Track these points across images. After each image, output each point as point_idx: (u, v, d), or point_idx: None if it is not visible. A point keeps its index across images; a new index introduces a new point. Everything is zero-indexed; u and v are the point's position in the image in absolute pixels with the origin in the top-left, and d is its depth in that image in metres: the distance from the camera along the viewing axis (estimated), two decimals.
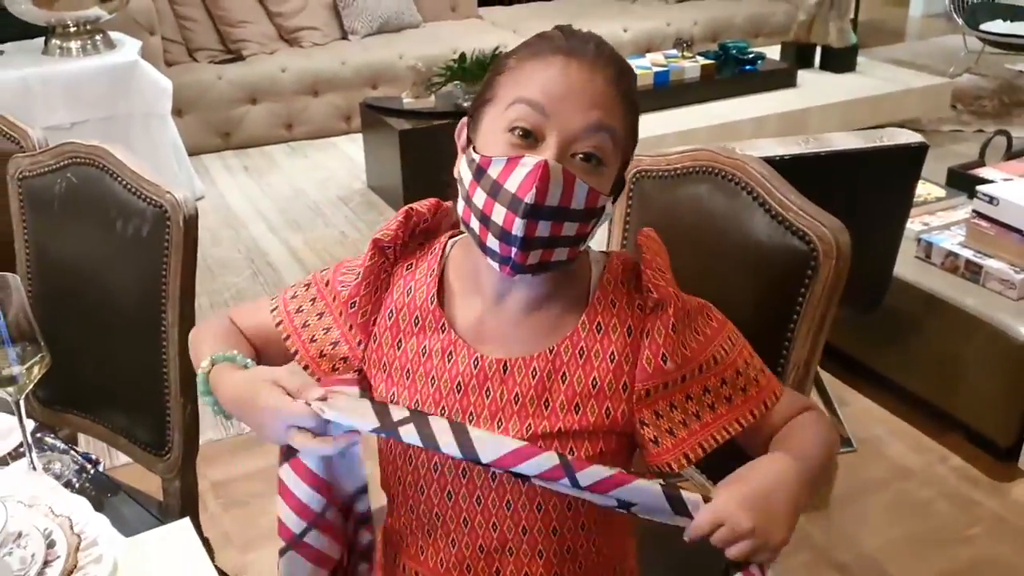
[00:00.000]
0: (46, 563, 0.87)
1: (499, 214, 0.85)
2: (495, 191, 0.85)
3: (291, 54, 4.87)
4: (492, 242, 0.87)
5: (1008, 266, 2.14)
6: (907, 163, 1.89)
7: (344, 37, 5.13)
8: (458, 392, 0.93)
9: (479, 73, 3.75)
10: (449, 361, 0.94)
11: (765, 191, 1.20)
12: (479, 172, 0.87)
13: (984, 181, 2.49)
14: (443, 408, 0.93)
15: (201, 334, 1.09)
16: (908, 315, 2.27)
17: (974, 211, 2.24)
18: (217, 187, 4.18)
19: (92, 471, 1.10)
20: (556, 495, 0.91)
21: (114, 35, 3.74)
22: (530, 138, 0.85)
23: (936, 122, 4.37)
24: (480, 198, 0.87)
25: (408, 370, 0.96)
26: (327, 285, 1.03)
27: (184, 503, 1.42)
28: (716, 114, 3.84)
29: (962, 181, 2.60)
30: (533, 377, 0.92)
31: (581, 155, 0.86)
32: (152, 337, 1.36)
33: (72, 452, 1.14)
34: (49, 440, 1.17)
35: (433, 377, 0.94)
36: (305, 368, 1.00)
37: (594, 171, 0.86)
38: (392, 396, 0.96)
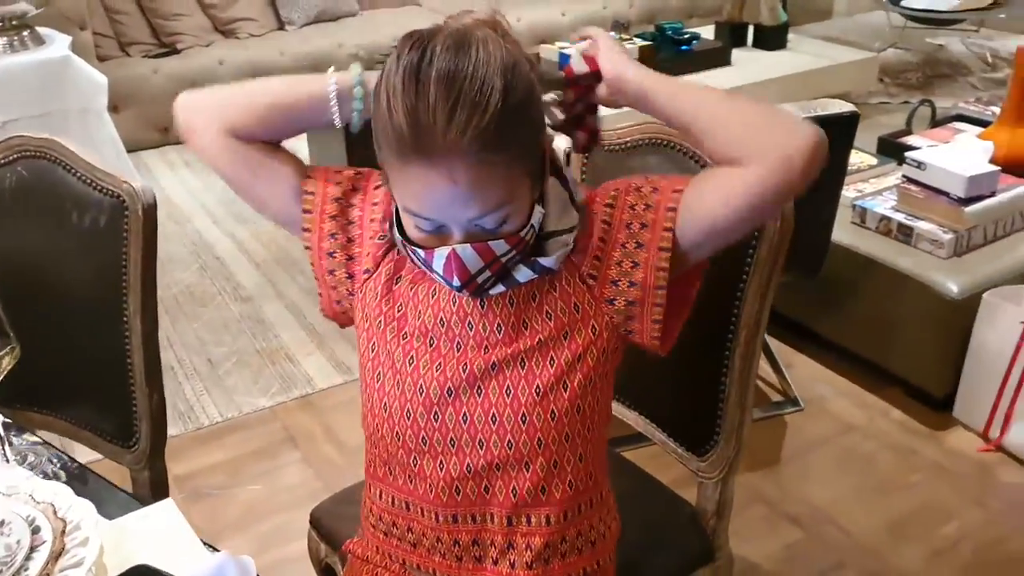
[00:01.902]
0: (32, 549, 0.88)
1: (436, 276, 0.95)
2: (426, 264, 0.94)
3: (228, 46, 4.80)
4: (440, 279, 0.96)
5: (937, 227, 2.25)
6: (841, 132, 1.97)
7: (281, 27, 5.07)
8: (442, 325, 1.00)
9: None
10: (432, 298, 1.01)
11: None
12: (408, 251, 0.96)
13: (912, 148, 2.60)
14: (431, 338, 1.00)
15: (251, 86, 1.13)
16: (846, 278, 2.37)
17: (904, 176, 2.34)
18: (159, 183, 4.12)
19: (68, 461, 1.11)
20: (540, 405, 0.97)
21: (42, 31, 3.65)
22: (435, 229, 0.91)
23: (865, 95, 4.51)
24: (415, 256, 0.95)
25: (398, 304, 1.02)
26: (364, 198, 1.06)
27: (155, 493, 1.42)
28: None
29: (891, 149, 2.70)
30: (511, 305, 0.98)
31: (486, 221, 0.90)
32: (114, 328, 1.36)
33: (46, 444, 1.14)
34: (25, 438, 1.18)
35: (419, 312, 1.01)
36: (306, 231, 1.08)
37: (504, 224, 0.91)
38: (379, 324, 1.03)
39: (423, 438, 1.01)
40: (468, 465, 1.00)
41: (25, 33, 3.53)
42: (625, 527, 1.17)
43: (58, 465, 1.12)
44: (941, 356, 2.24)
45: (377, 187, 1.06)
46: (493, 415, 0.98)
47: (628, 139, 1.37)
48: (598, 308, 0.99)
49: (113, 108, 4.13)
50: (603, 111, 1.09)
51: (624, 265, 0.98)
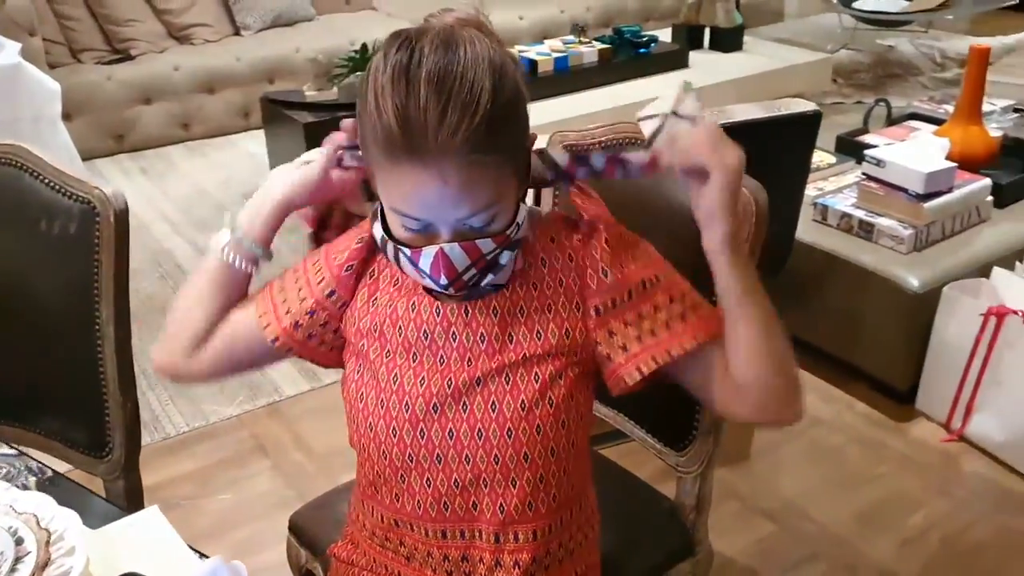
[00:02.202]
0: (17, 559, 0.86)
1: (423, 276, 0.94)
2: (413, 263, 0.93)
3: (183, 52, 4.74)
4: (425, 282, 0.95)
5: (897, 223, 2.30)
6: (804, 131, 2.01)
7: (237, 33, 5.02)
8: (426, 339, 0.99)
9: None
10: (413, 311, 1.00)
11: None
12: (396, 249, 0.94)
13: (869, 146, 2.66)
14: (415, 353, 0.99)
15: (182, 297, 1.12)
16: (810, 275, 2.42)
17: (863, 174, 2.40)
18: None
19: (45, 472, 1.09)
20: (525, 420, 0.97)
21: None
22: (422, 229, 0.90)
23: (820, 95, 4.59)
24: (402, 258, 0.94)
25: (376, 324, 1.01)
26: (315, 263, 1.06)
27: (130, 503, 1.40)
28: (615, 96, 3.94)
29: (850, 147, 2.76)
30: (495, 315, 0.98)
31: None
32: (86, 336, 1.34)
33: (23, 455, 1.12)
34: None
35: (400, 327, 1.00)
36: (274, 340, 1.05)
37: (492, 223, 0.90)
38: (362, 347, 1.02)
39: (409, 455, 1.00)
40: (455, 480, 1.00)
41: None
42: (605, 524, 1.17)
43: (37, 477, 1.09)
44: (903, 350, 2.29)
45: (315, 261, 1.07)
46: (479, 430, 0.98)
47: (603, 139, 1.38)
48: (588, 339, 0.99)
49: (66, 116, 4.03)
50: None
51: (628, 331, 0.98)
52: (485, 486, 1.00)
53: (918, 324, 2.24)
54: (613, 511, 1.20)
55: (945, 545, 1.92)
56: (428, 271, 0.92)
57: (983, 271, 2.25)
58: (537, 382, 0.97)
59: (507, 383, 0.97)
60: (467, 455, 0.99)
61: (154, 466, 2.21)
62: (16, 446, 1.21)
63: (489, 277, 0.95)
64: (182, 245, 3.48)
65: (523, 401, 0.97)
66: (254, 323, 1.06)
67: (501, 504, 1.00)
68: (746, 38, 4.58)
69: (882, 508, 2.03)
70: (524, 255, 0.99)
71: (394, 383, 0.99)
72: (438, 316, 0.99)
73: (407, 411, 0.99)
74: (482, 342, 0.98)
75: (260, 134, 4.27)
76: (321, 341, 1.06)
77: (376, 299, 1.02)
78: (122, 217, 1.30)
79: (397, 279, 1.02)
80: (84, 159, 3.98)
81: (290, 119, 3.70)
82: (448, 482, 1.00)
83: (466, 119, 0.83)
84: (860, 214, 2.37)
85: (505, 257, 0.94)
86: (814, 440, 2.26)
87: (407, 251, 0.92)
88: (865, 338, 2.36)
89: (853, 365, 2.42)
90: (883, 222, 2.32)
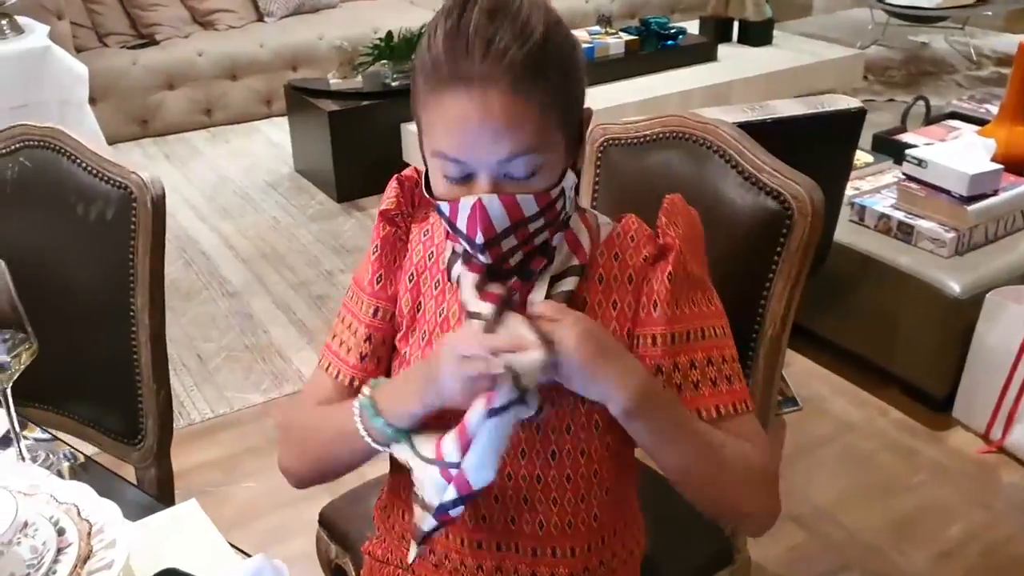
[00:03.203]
0: (59, 550, 0.84)
1: (465, 246, 0.89)
2: (452, 226, 0.89)
3: (207, 37, 4.72)
4: (470, 256, 0.91)
5: (938, 225, 2.25)
6: (847, 128, 1.97)
7: (260, 19, 5.00)
8: None
9: (406, 52, 3.72)
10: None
11: (737, 153, 1.23)
12: (436, 209, 0.90)
13: (908, 145, 2.61)
14: None
15: (301, 421, 1.06)
16: (845, 277, 2.37)
17: (904, 174, 2.35)
18: None
19: (82, 459, 1.07)
20: (570, 443, 0.94)
21: (21, 20, 3.56)
22: (463, 178, 0.86)
23: (850, 92, 4.53)
24: (447, 228, 0.91)
25: (424, 332, 0.98)
26: (352, 298, 1.04)
27: (161, 491, 1.38)
28: (642, 89, 3.90)
29: (887, 146, 2.71)
30: None
31: (514, 171, 0.86)
32: (121, 323, 1.32)
33: (58, 441, 1.10)
34: (31, 431, 1.13)
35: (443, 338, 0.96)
36: (351, 382, 1.01)
37: (535, 175, 0.86)
38: (406, 355, 0.99)
39: None
40: (495, 495, 0.97)
41: (4, 22, 3.44)
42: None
43: (74, 464, 1.07)
44: (941, 356, 2.24)
45: (350, 297, 1.04)
46: (522, 450, 0.95)
47: (647, 133, 1.34)
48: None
49: (91, 100, 4.02)
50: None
51: (657, 376, 0.93)
52: (525, 503, 0.97)
53: (957, 330, 2.19)
54: (650, 516, 1.17)
55: (984, 558, 1.88)
56: (465, 229, 0.86)
57: None
58: (584, 405, 0.93)
59: (553, 406, 0.93)
60: (509, 473, 0.96)
61: (179, 452, 2.15)
62: (49, 430, 1.19)
63: (516, 255, 0.89)
64: (207, 233, 3.46)
65: (569, 424, 0.94)
66: (331, 386, 1.02)
67: (541, 521, 0.98)
68: (775, 32, 4.52)
69: (917, 518, 1.99)
70: (583, 273, 0.94)
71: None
72: None
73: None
74: None
75: (282, 121, 4.25)
76: (379, 359, 1.02)
77: (421, 305, 0.99)
78: (159, 203, 1.28)
79: (439, 281, 0.99)
80: (109, 143, 3.97)
81: (315, 107, 3.68)
82: (489, 497, 0.97)
83: (515, 45, 0.81)
84: (899, 215, 2.32)
85: (555, 239, 0.90)
86: (846, 446, 2.22)
87: (446, 207, 0.87)
88: (900, 342, 2.31)
89: (887, 370, 2.38)
90: (924, 224, 2.27)
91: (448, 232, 0.94)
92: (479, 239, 0.85)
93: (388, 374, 1.04)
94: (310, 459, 1.03)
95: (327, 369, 1.03)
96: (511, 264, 0.89)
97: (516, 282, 0.90)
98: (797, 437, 2.24)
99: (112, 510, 0.89)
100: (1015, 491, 2.05)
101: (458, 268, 0.94)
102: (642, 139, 1.35)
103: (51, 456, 1.07)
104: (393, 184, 1.03)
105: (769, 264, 1.22)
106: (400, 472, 1.04)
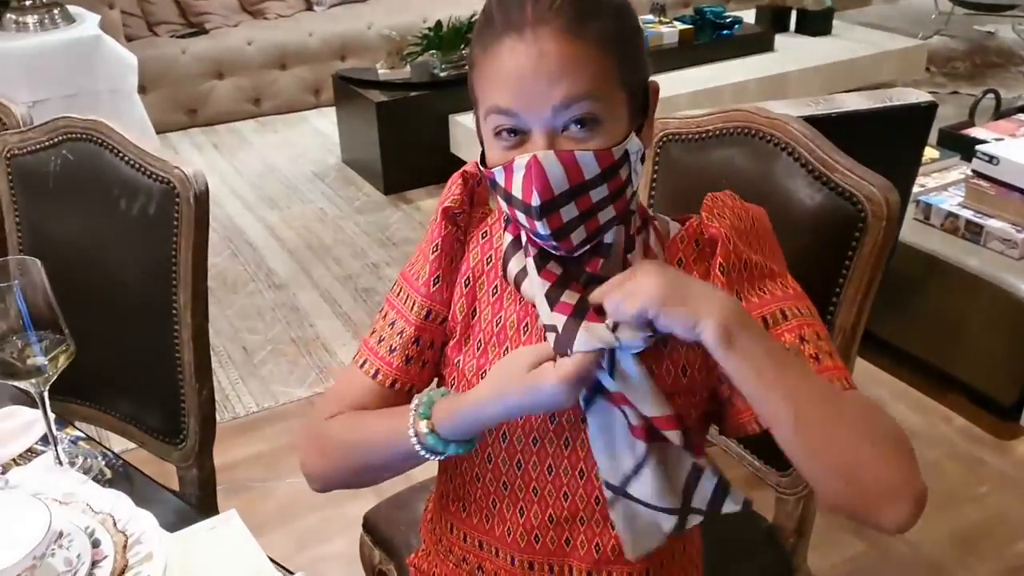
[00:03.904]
0: (94, 563, 0.81)
1: (521, 218, 0.83)
2: (508, 198, 0.83)
3: (256, 27, 4.73)
4: (535, 238, 0.85)
5: (1010, 225, 2.14)
6: (917, 123, 1.87)
7: (309, 8, 5.00)
8: None
9: (456, 42, 3.67)
10: (525, 333, 0.90)
11: (808, 151, 1.16)
12: (492, 183, 0.85)
13: (977, 141, 2.49)
14: None
15: (336, 425, 0.96)
16: (908, 278, 2.27)
17: (973, 171, 2.24)
18: None
19: (119, 463, 1.04)
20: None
21: (72, 9, 3.59)
22: (519, 136, 0.81)
23: (912, 85, 4.38)
24: (504, 204, 0.85)
25: (480, 341, 0.92)
26: (399, 295, 0.97)
27: (203, 492, 1.36)
28: (696, 80, 3.81)
29: (954, 142, 2.60)
30: None
31: (572, 126, 0.80)
32: (163, 320, 1.29)
33: (95, 443, 1.07)
34: (68, 432, 1.11)
35: (507, 348, 0.90)
36: (392, 384, 0.94)
37: (594, 131, 0.80)
38: (458, 364, 0.93)
39: (504, 483, 0.93)
40: (550, 515, 0.92)
41: (56, 11, 3.47)
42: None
43: (112, 469, 1.04)
44: (1010, 361, 2.14)
45: (397, 293, 0.97)
46: (581, 470, 0.90)
47: (710, 128, 1.28)
48: (709, 376, 0.89)
49: (141, 89, 4.06)
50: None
51: None
52: (582, 523, 0.92)
53: None
54: (705, 531, 1.11)
55: None
56: (520, 193, 0.80)
57: None
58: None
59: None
60: (565, 492, 0.91)
61: (223, 447, 2.16)
62: (84, 431, 1.16)
63: (580, 233, 0.82)
64: (253, 224, 3.46)
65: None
66: (368, 385, 0.95)
67: (597, 544, 0.92)
68: (835, 22, 4.39)
69: (983, 532, 1.90)
70: None
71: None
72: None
73: (504, 441, 0.92)
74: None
75: (330, 111, 4.24)
76: (424, 362, 0.96)
77: (476, 311, 0.93)
78: (202, 199, 1.24)
79: (497, 287, 0.93)
80: (158, 132, 4.00)
81: (362, 97, 3.65)
82: (542, 516, 0.92)
83: (567, 3, 0.78)
84: (968, 214, 2.22)
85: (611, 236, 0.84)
86: None
87: (500, 174, 0.82)
88: (966, 347, 2.21)
89: (951, 375, 2.28)
90: (994, 224, 2.16)
91: (505, 220, 0.88)
92: (535, 200, 0.78)
93: (433, 379, 0.98)
94: (345, 465, 0.96)
95: (363, 367, 0.96)
96: (573, 244, 0.82)
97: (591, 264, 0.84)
98: None
99: (149, 521, 0.86)
100: None
101: (515, 263, 0.88)
102: (704, 135, 1.28)
103: (89, 460, 1.05)
104: (457, 179, 0.95)
105: (839, 269, 1.15)
106: (449, 482, 1.00)
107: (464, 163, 0.97)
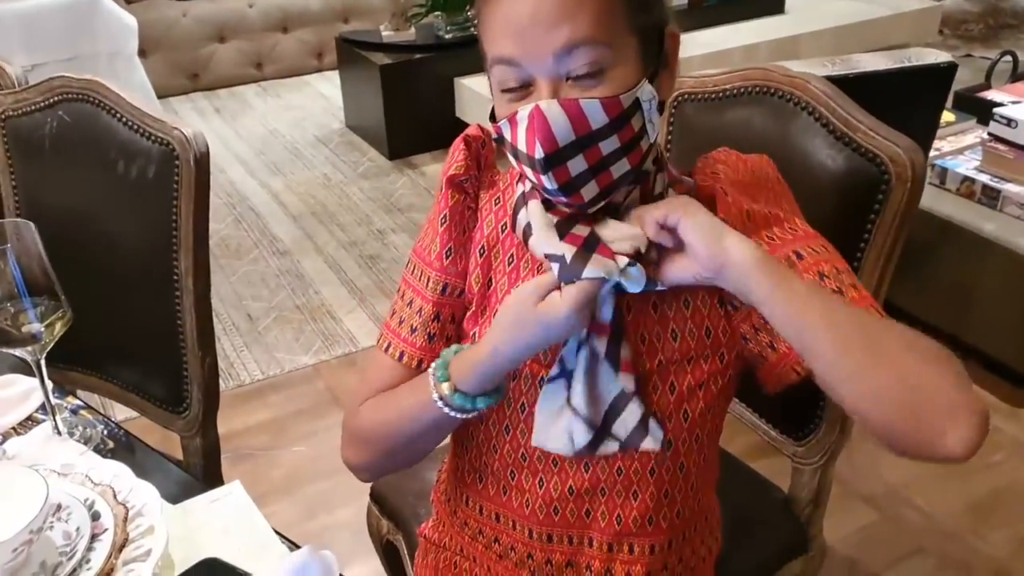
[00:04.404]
0: (94, 536, 0.79)
1: (529, 173, 0.79)
2: (515, 153, 0.79)
3: None
4: (545, 194, 0.81)
5: None
6: (936, 84, 1.82)
7: None
8: None
9: (461, 3, 3.60)
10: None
11: (829, 111, 1.12)
12: (499, 140, 0.81)
13: (994, 104, 2.44)
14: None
15: (370, 413, 0.93)
16: (922, 243, 2.23)
17: (990, 134, 2.19)
18: None
19: (120, 433, 1.02)
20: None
21: None
22: (523, 89, 0.77)
23: (924, 47, 4.30)
24: (512, 160, 0.81)
25: (497, 312, 0.88)
26: (413, 272, 0.93)
27: (207, 461, 1.34)
28: (705, 43, 3.73)
29: (971, 104, 2.54)
30: (629, 313, 0.84)
31: (578, 73, 0.76)
32: (164, 287, 1.26)
33: (96, 413, 1.05)
34: (68, 401, 1.08)
35: None
36: (418, 364, 0.91)
37: (600, 78, 0.75)
38: (475, 336, 0.89)
39: (522, 454, 0.90)
40: (571, 487, 0.89)
41: None
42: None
43: (113, 438, 1.02)
44: None
45: (411, 270, 0.93)
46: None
47: (727, 87, 1.23)
48: (732, 337, 0.86)
49: (141, 52, 4.00)
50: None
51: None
52: (603, 495, 0.89)
53: None
54: (721, 501, 1.09)
55: None
56: (524, 146, 0.76)
57: None
58: (672, 393, 0.85)
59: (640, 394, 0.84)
60: (587, 463, 0.88)
61: (228, 415, 2.16)
62: (85, 400, 1.14)
63: (594, 190, 0.78)
64: (257, 190, 3.42)
65: (655, 413, 0.85)
66: (396, 368, 0.91)
67: (619, 515, 0.90)
68: None
69: (997, 501, 1.87)
70: None
71: (512, 378, 0.88)
72: None
73: (523, 411, 0.88)
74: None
75: (334, 75, 4.18)
76: (448, 337, 0.92)
77: (492, 281, 0.89)
78: (203, 161, 1.20)
79: (512, 256, 0.89)
80: (159, 97, 3.95)
81: (366, 60, 3.59)
82: (563, 487, 0.90)
83: None
84: (984, 178, 2.17)
85: (627, 171, 0.79)
86: None
87: (507, 127, 0.78)
88: (981, 314, 2.18)
89: (964, 342, 2.24)
90: (1011, 188, 2.11)
91: (519, 177, 0.85)
92: (538, 153, 0.74)
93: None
94: (383, 448, 0.93)
95: (387, 350, 0.92)
96: (585, 199, 0.78)
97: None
98: None
99: (150, 493, 0.84)
100: None
101: (524, 215, 0.84)
102: (720, 94, 1.24)
103: (89, 430, 1.02)
104: (460, 145, 0.91)
105: (861, 234, 1.11)
106: (464, 453, 0.97)
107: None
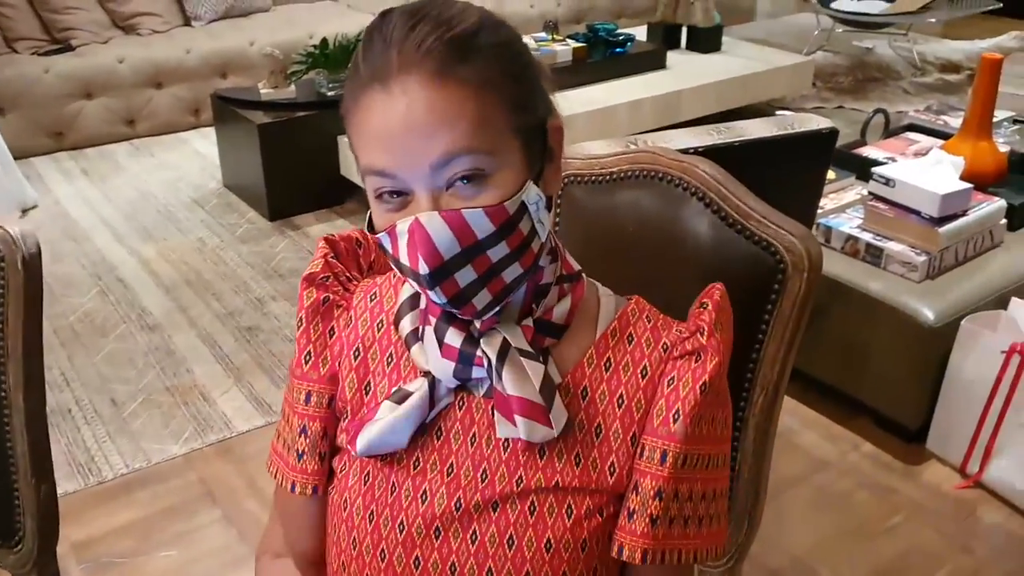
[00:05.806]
0: None
1: (415, 285, 0.73)
2: (399, 265, 0.73)
3: (128, 43, 4.43)
4: (411, 279, 0.75)
5: (909, 248, 2.13)
6: (819, 149, 1.83)
7: (187, 23, 4.72)
8: (438, 439, 0.78)
9: (343, 59, 3.49)
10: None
11: (720, 197, 1.07)
12: (380, 248, 0.75)
13: (871, 161, 2.49)
14: (417, 459, 0.79)
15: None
16: (813, 303, 2.23)
17: (871, 193, 2.22)
18: (53, 194, 3.74)
19: None
20: (549, 564, 0.76)
21: None
22: (401, 198, 0.71)
23: (800, 100, 4.45)
24: (399, 271, 0.75)
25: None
26: (291, 391, 0.86)
27: None
28: (591, 99, 3.74)
29: (849, 161, 2.59)
30: None
31: (458, 183, 0.70)
32: None
33: None
34: None
35: None
36: (314, 491, 0.85)
37: (482, 185, 0.70)
38: (343, 441, 0.83)
39: None
40: None
41: None
42: None
43: None
44: (914, 385, 2.12)
45: (288, 389, 0.87)
46: (489, 568, 0.77)
47: (614, 170, 1.17)
48: (629, 480, 0.80)
49: None
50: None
51: (650, 503, 0.79)
52: None
53: (931, 358, 2.07)
54: None
55: None
56: (407, 260, 0.70)
57: (999, 301, 2.09)
58: (569, 518, 0.77)
59: (531, 513, 0.76)
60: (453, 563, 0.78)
61: (88, 516, 1.95)
62: None
63: (489, 300, 0.72)
64: (126, 258, 3.19)
65: (549, 539, 0.76)
66: (293, 501, 0.87)
67: None
68: (724, 38, 4.41)
69: (901, 564, 1.85)
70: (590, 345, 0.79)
71: (390, 493, 0.79)
72: (460, 410, 0.78)
73: (401, 532, 0.79)
74: (504, 450, 0.77)
75: (211, 132, 3.99)
76: (321, 456, 0.86)
77: (369, 386, 0.82)
78: (33, 265, 1.06)
79: (392, 355, 0.81)
80: (18, 158, 3.68)
81: (244, 118, 3.44)
82: None
83: (436, 33, 0.69)
84: (867, 237, 2.19)
85: (522, 275, 0.73)
86: (820, 486, 2.07)
87: (387, 240, 0.72)
88: (871, 371, 2.18)
89: (857, 400, 2.25)
90: (893, 247, 2.14)
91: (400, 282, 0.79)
92: (423, 268, 0.69)
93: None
94: None
95: (275, 476, 0.87)
96: (478, 308, 0.71)
97: (484, 322, 0.74)
98: (770, 476, 2.09)
99: None
100: (997, 533, 1.93)
101: (409, 321, 0.78)
102: (609, 176, 1.18)
103: None
104: (320, 244, 0.86)
105: (759, 324, 1.06)
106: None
107: (355, 185, 0.87)
